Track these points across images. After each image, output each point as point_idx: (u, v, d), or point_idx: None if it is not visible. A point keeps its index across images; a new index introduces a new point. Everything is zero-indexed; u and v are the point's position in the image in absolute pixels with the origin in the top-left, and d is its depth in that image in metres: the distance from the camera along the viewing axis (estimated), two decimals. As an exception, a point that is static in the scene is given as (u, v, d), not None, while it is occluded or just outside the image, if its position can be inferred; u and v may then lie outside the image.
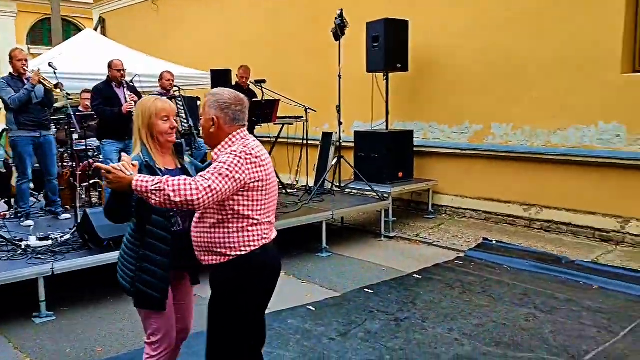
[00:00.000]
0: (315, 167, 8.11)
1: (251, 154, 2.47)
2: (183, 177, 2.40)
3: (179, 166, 2.85)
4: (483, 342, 4.03)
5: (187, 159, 2.94)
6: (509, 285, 5.24)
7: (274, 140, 7.86)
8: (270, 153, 7.51)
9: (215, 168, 2.39)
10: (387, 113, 7.67)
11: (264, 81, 7.41)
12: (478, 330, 4.23)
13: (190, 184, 2.32)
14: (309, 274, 5.72)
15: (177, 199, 2.30)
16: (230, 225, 2.47)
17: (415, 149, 7.84)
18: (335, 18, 7.13)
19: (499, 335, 4.15)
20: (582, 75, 6.33)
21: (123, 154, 2.94)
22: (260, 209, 2.51)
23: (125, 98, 6.23)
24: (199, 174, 2.41)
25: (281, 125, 7.71)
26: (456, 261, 6.06)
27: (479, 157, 7.42)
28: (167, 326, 2.78)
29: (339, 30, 7.04)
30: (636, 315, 4.45)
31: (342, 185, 7.70)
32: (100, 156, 6.62)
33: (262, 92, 7.39)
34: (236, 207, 2.46)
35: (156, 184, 2.32)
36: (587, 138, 6.38)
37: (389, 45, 7.25)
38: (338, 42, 7.24)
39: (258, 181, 2.47)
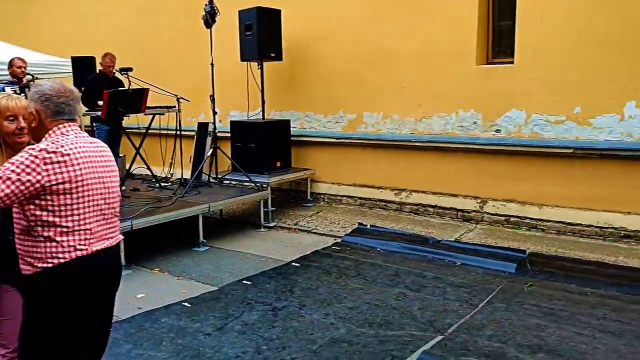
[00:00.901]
0: (191, 158, 7.87)
1: (55, 152, 2.15)
2: None
3: None
4: (357, 324, 4.16)
5: None
6: (381, 267, 5.46)
7: (144, 131, 7.48)
8: (140, 145, 7.19)
9: None
10: (263, 102, 7.64)
11: (130, 69, 7.01)
12: (352, 313, 4.37)
13: None
14: (185, 269, 5.55)
15: None
16: (36, 233, 2.18)
17: (292, 138, 7.90)
18: (205, 5, 6.93)
19: (371, 316, 4.31)
20: (443, 67, 6.73)
21: None
22: (70, 214, 2.19)
23: (-32, 87, 5.58)
24: None
25: (152, 116, 7.36)
26: (333, 247, 6.20)
27: (353, 145, 7.65)
28: None
29: (210, 18, 6.84)
30: (492, 288, 4.85)
31: (220, 176, 7.56)
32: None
33: (129, 81, 7.00)
34: (38, 213, 2.16)
35: None
36: (449, 125, 6.83)
37: (262, 34, 7.20)
38: (209, 29, 7.05)
39: (63, 183, 2.15)
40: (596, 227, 5.90)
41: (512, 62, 6.33)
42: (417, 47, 6.89)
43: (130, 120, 7.27)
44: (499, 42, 6.66)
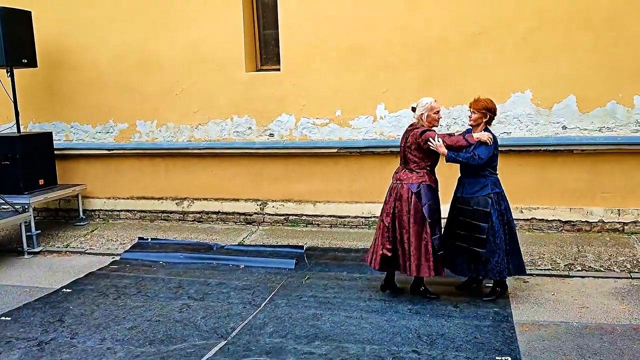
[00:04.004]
0: None
1: None
2: None
3: None
4: (137, 344, 3.95)
5: None
6: (164, 280, 5.28)
7: None
8: None
9: None
10: (17, 114, 6.80)
11: None
12: (131, 333, 4.13)
13: None
14: None
15: None
16: None
17: (57, 152, 7.18)
18: None
19: (152, 333, 4.13)
20: (216, 73, 6.77)
21: None
22: None
23: None
24: None
25: None
26: (111, 266, 5.80)
27: (128, 156, 7.26)
28: None
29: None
30: (274, 286, 5.03)
31: (-33, 201, 6.51)
32: None
33: None
34: None
35: None
36: (225, 131, 6.90)
37: (9, 38, 6.38)
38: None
39: None
40: (362, 217, 6.54)
41: (279, 69, 6.66)
42: (185, 53, 6.81)
43: None
44: (266, 50, 6.95)
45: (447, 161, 4.42)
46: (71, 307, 4.70)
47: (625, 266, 5.09)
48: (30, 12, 6.71)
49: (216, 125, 6.91)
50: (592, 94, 5.77)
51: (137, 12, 6.90)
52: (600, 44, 5.66)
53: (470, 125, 4.52)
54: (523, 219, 6.09)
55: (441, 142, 4.34)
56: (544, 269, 5.13)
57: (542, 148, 5.93)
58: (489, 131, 4.42)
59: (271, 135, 6.75)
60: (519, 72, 5.90)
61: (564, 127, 5.89)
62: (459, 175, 4.56)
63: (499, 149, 4.58)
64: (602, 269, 5.07)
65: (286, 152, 6.65)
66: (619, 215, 5.88)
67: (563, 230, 6.01)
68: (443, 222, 4.56)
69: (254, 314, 4.42)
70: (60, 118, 7.43)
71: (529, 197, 6.07)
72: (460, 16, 5.97)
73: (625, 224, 5.86)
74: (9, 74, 6.61)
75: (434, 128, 4.52)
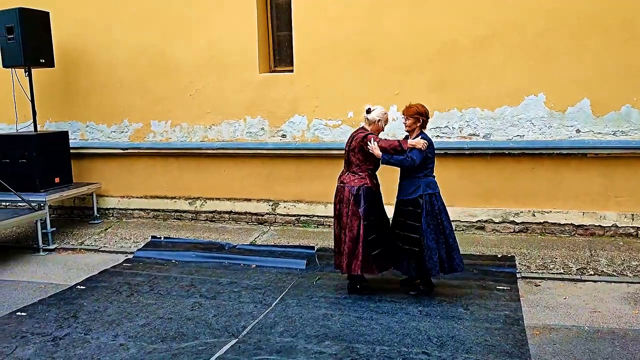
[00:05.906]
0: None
1: None
2: None
3: None
4: (149, 341, 3.99)
5: None
6: (176, 279, 5.33)
7: None
8: None
9: None
10: (35, 113, 6.92)
11: None
12: (144, 330, 4.18)
13: None
14: (-59, 309, 4.74)
15: None
16: None
17: (72, 151, 7.29)
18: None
19: (164, 330, 4.18)
20: (229, 75, 6.84)
21: None
22: None
23: None
24: None
25: None
26: (124, 264, 5.87)
27: (142, 156, 7.35)
28: None
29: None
30: (284, 286, 5.06)
31: (-16, 198, 6.63)
32: None
33: None
34: None
35: None
36: (238, 132, 6.95)
37: (28, 38, 6.51)
38: (-41, 30, 6.15)
39: None
40: (373, 219, 6.54)
41: (292, 71, 6.69)
42: (199, 54, 6.88)
43: None
44: (280, 51, 6.99)
45: (382, 163, 4.57)
46: (85, 304, 4.77)
47: (639, 271, 5.05)
48: (48, 13, 6.83)
49: (229, 126, 6.97)
50: (606, 97, 5.73)
51: (153, 14, 6.99)
52: (613, 47, 5.63)
53: (406, 130, 4.67)
54: (535, 223, 6.07)
55: (376, 145, 4.49)
56: (556, 273, 5.11)
57: (556, 151, 5.91)
58: (425, 135, 4.53)
59: (283, 136, 6.79)
60: (532, 75, 5.88)
61: (578, 131, 5.86)
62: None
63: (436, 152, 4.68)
64: (614, 274, 5.04)
65: (298, 153, 6.69)
66: (633, 219, 5.83)
67: (576, 234, 5.98)
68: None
69: (265, 313, 4.45)
70: (76, 117, 7.53)
71: (542, 201, 6.04)
72: (471, 19, 5.97)
73: (639, 228, 5.81)
74: (26, 73, 6.73)
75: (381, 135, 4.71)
